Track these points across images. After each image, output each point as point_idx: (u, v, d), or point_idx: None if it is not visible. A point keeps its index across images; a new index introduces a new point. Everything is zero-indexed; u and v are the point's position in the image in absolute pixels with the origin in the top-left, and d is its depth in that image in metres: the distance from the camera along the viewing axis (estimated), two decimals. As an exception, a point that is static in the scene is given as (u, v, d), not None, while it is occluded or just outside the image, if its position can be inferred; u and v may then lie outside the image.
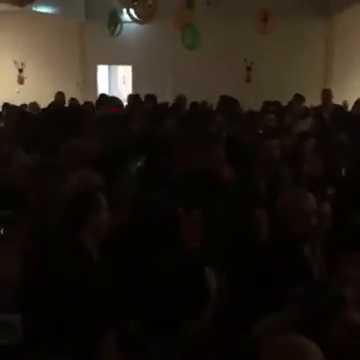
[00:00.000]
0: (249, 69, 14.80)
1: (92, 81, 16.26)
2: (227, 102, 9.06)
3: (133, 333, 2.30)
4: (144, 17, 7.97)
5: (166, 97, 11.35)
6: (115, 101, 8.63)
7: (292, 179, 4.78)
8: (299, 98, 9.37)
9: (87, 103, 9.36)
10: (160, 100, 10.02)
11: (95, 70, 16.39)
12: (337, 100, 9.79)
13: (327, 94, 9.08)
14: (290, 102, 9.67)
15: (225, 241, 3.19)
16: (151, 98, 9.54)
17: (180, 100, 9.56)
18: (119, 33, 12.89)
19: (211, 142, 5.04)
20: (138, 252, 2.89)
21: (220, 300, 2.49)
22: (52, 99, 10.79)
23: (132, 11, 7.90)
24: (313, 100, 9.89)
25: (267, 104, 9.59)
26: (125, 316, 2.46)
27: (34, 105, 10.25)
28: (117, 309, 2.59)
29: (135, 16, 8.06)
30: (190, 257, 2.65)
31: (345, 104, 10.32)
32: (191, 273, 2.27)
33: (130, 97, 10.36)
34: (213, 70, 14.37)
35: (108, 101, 8.83)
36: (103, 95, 10.06)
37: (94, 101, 9.41)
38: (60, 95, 10.58)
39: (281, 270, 2.86)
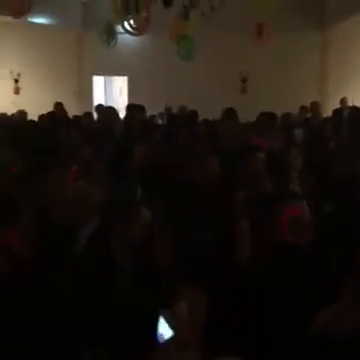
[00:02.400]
0: (244, 80, 14.88)
1: (88, 92, 16.31)
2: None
3: None
4: (139, 29, 8.00)
5: (161, 108, 11.38)
6: (111, 111, 8.69)
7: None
8: (303, 110, 9.65)
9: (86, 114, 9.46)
10: (156, 111, 10.05)
11: (91, 81, 16.44)
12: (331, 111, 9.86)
13: (316, 106, 9.44)
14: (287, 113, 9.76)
15: (202, 258, 3.12)
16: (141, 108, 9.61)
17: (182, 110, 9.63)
18: (114, 44, 12.94)
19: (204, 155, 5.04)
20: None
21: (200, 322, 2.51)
22: (48, 109, 10.82)
23: (126, 24, 7.93)
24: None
25: (262, 115, 9.61)
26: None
27: (22, 113, 10.23)
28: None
29: (129, 28, 8.09)
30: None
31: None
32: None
33: (129, 107, 10.39)
34: (209, 81, 14.45)
35: (103, 111, 8.89)
36: (100, 105, 10.13)
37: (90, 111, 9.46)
38: (59, 105, 10.58)
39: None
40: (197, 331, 2.59)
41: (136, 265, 3.02)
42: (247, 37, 12.69)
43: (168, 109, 11.12)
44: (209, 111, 9.51)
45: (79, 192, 3.78)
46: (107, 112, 8.72)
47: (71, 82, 15.91)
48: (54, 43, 15.59)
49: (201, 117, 9.04)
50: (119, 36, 12.76)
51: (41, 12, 12.53)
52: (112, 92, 17.55)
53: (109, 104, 12.78)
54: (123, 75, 16.11)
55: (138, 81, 15.36)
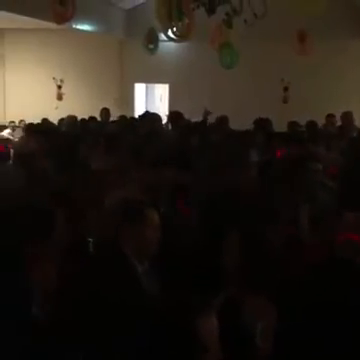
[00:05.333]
0: (286, 89, 14.71)
1: (129, 99, 16.39)
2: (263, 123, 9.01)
3: None
4: (181, 36, 7.98)
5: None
6: (155, 117, 8.77)
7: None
8: (330, 118, 9.38)
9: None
10: (197, 119, 10.01)
11: (132, 88, 16.53)
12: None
13: (348, 117, 9.09)
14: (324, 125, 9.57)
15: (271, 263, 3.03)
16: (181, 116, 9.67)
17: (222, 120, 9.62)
18: (155, 51, 12.97)
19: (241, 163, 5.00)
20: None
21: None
22: (89, 115, 10.90)
23: (170, 31, 7.93)
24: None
25: (293, 124, 9.49)
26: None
27: (71, 118, 10.30)
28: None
29: (172, 36, 8.08)
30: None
31: None
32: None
33: (171, 114, 10.46)
34: (250, 90, 14.35)
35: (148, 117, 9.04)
36: (147, 112, 10.37)
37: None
38: (105, 111, 10.67)
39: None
40: (266, 345, 2.49)
41: (151, 272, 2.98)
42: (290, 45, 12.56)
43: (207, 112, 10.99)
44: (250, 120, 9.42)
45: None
46: (152, 118, 8.86)
47: (112, 89, 16.03)
48: (96, 50, 15.78)
49: (242, 126, 8.97)
50: (160, 43, 12.81)
51: (84, 19, 12.63)
52: (153, 99, 17.61)
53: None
54: (164, 83, 16.13)
55: (179, 89, 15.36)
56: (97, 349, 2.36)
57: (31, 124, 9.34)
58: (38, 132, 7.64)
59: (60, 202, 3.30)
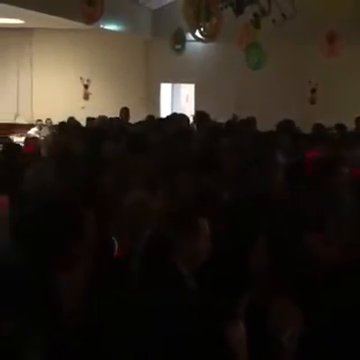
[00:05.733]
0: (314, 91, 14.57)
1: (155, 98, 16.41)
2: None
3: None
4: (209, 36, 7.97)
5: (228, 116, 11.27)
6: (183, 118, 8.78)
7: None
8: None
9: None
10: (223, 119, 9.96)
11: (158, 88, 16.55)
12: None
13: None
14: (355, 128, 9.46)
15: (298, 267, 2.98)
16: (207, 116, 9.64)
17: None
18: (182, 51, 12.97)
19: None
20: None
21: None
22: (115, 114, 10.96)
23: (197, 31, 7.92)
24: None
25: (318, 126, 9.36)
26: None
27: (102, 118, 10.35)
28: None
29: (200, 36, 8.07)
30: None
31: None
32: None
33: (197, 114, 10.46)
34: (277, 91, 14.25)
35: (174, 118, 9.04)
36: (175, 114, 10.42)
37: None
38: (125, 110, 10.72)
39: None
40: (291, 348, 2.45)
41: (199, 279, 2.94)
42: (318, 47, 12.45)
43: (235, 117, 11.00)
44: (277, 121, 9.35)
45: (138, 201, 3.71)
46: (179, 119, 8.85)
47: (138, 89, 16.06)
48: (122, 50, 15.83)
49: (269, 128, 8.90)
50: (187, 43, 12.80)
51: (111, 19, 12.69)
52: (179, 99, 17.61)
53: (176, 111, 12.78)
54: (190, 82, 16.11)
55: (205, 89, 15.32)
56: (125, 354, 2.33)
57: (63, 123, 9.41)
58: (71, 130, 7.69)
59: (91, 201, 3.29)
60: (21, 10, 10.36)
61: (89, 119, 10.70)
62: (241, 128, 9.30)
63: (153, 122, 9.62)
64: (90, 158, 5.61)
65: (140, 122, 9.69)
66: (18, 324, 2.35)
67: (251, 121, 9.67)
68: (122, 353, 2.22)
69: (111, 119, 10.32)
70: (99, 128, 8.50)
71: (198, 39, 8.35)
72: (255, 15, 10.54)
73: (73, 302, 2.52)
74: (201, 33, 8.05)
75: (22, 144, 7.85)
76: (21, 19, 13.72)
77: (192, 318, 2.06)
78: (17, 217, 3.20)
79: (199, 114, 9.78)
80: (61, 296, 2.50)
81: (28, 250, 2.60)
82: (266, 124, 9.27)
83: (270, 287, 2.70)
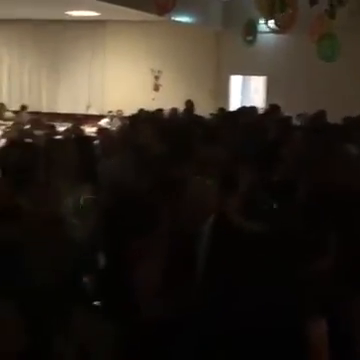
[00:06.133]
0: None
1: (225, 91, 16.33)
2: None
3: None
4: (283, 27, 7.82)
5: (300, 109, 11.08)
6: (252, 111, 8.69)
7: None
8: None
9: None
10: (294, 113, 9.82)
11: (228, 80, 16.45)
12: None
13: None
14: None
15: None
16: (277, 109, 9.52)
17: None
18: (254, 43, 12.82)
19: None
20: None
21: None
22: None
23: (271, 22, 7.80)
24: None
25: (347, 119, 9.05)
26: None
27: (174, 110, 10.43)
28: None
29: (274, 26, 7.95)
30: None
31: None
32: None
33: (271, 107, 10.35)
34: (351, 84, 13.85)
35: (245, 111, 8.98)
36: (244, 107, 10.29)
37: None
38: (190, 103, 10.74)
39: None
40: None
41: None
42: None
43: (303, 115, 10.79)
44: (351, 115, 9.12)
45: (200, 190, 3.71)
46: (251, 112, 8.77)
47: (208, 80, 16.03)
48: (193, 41, 15.83)
49: (341, 121, 8.69)
50: (259, 35, 12.64)
51: (183, 11, 12.71)
52: (249, 92, 17.45)
53: (245, 104, 12.68)
54: (261, 75, 15.92)
55: (276, 81, 15.09)
56: (206, 351, 2.32)
57: (140, 113, 9.48)
58: (150, 121, 7.70)
59: (168, 195, 3.29)
60: (97, 2, 10.58)
61: (159, 110, 10.77)
62: (312, 121, 9.16)
63: (225, 114, 9.59)
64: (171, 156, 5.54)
65: (213, 114, 9.69)
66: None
67: (322, 114, 9.50)
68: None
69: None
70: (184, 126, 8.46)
71: (272, 30, 8.22)
72: (331, 5, 10.25)
73: (149, 294, 2.51)
74: (276, 24, 7.93)
75: (94, 134, 7.97)
76: (97, 11, 13.99)
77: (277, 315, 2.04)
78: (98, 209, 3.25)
79: (272, 107, 9.66)
80: (138, 288, 2.50)
81: (108, 242, 2.65)
82: (338, 118, 9.07)
83: (341, 285, 2.64)
